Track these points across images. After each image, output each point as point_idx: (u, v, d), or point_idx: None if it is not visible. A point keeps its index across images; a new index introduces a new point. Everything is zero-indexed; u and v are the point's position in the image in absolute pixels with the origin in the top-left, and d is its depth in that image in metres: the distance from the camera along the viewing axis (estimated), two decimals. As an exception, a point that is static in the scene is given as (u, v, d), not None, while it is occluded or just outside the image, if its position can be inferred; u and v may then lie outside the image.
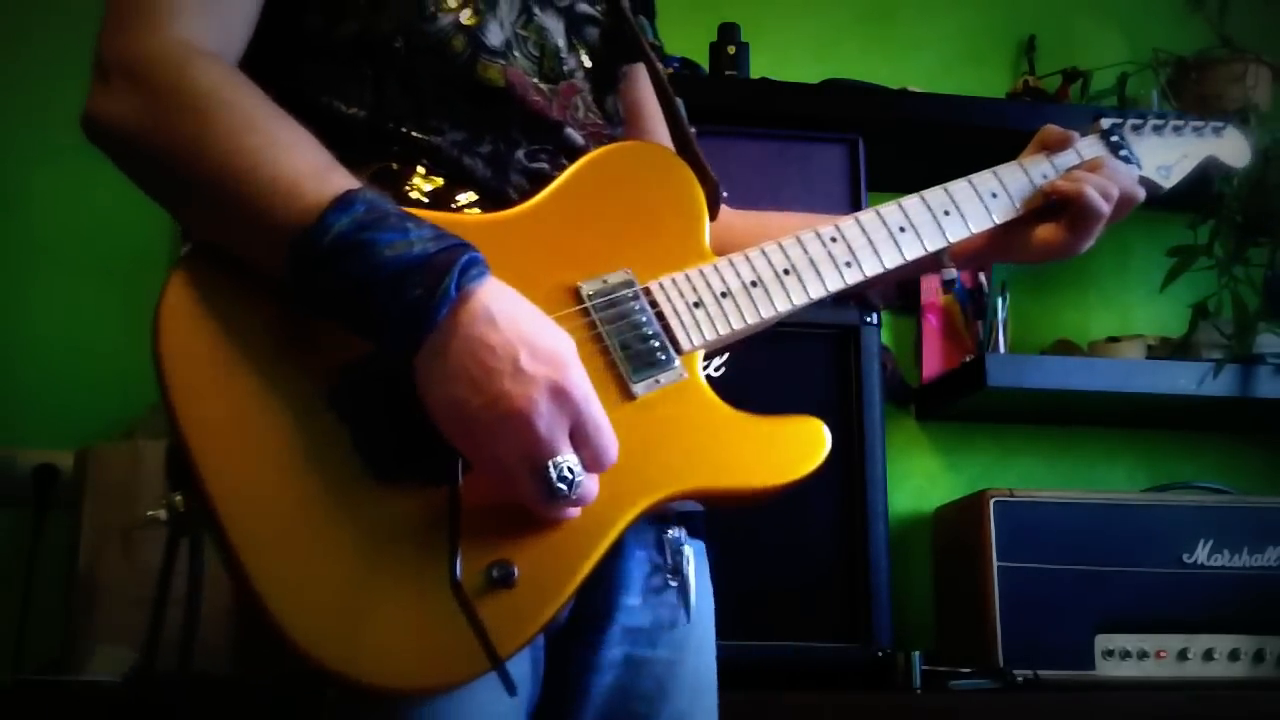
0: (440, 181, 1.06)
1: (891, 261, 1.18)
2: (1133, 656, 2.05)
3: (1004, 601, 2.03)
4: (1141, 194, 1.27)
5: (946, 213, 1.22)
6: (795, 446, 1.07)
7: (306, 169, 0.92)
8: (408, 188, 1.05)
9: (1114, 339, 2.48)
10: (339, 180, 0.92)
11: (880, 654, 1.90)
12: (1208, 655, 2.07)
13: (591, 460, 0.92)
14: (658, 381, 1.04)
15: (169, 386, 0.91)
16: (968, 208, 1.23)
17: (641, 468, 1.00)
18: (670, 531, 1.13)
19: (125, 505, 1.82)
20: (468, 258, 0.90)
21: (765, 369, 1.98)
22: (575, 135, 1.13)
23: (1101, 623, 2.06)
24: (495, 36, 1.10)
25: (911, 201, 1.21)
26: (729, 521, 1.90)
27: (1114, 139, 1.33)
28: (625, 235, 1.09)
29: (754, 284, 1.11)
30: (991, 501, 2.08)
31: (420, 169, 1.06)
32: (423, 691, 0.91)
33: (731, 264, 1.11)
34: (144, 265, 2.29)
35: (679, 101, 1.25)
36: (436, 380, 0.89)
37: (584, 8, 1.20)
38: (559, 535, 0.95)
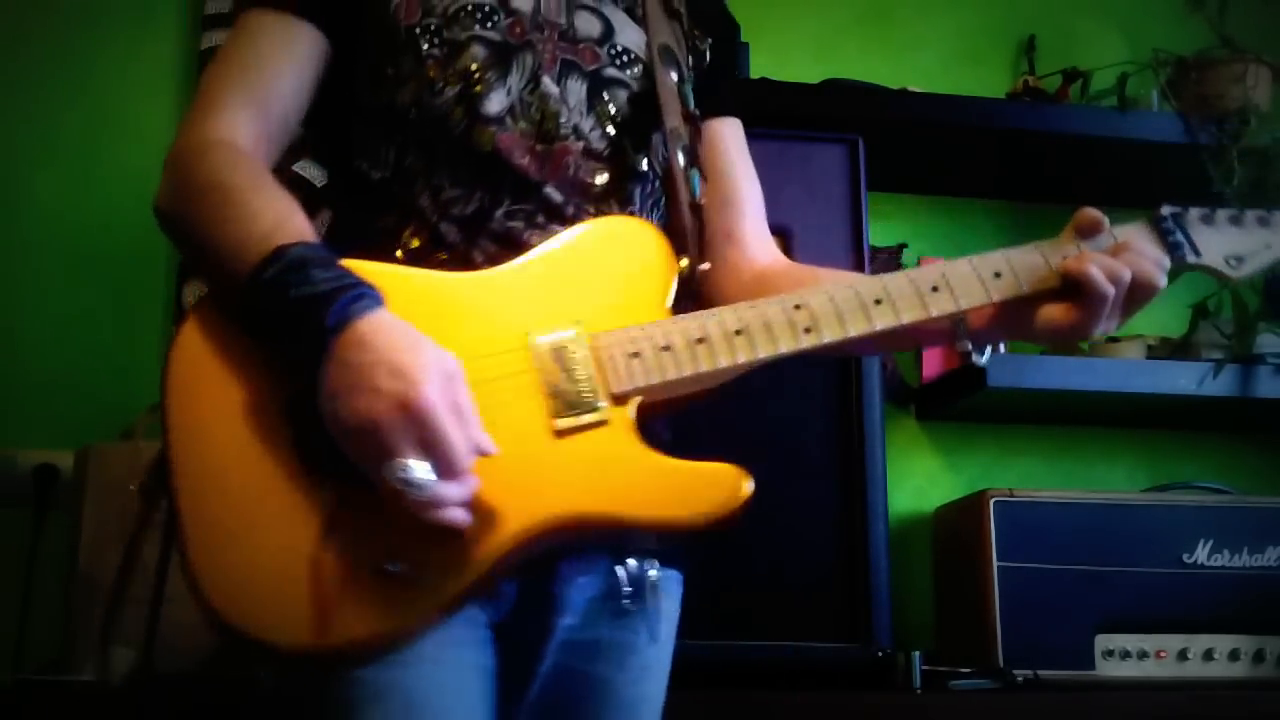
0: (420, 242, 1.23)
1: (856, 330, 1.19)
2: (1133, 656, 2.05)
3: (1004, 601, 2.03)
4: (1162, 282, 1.21)
5: (935, 289, 1.21)
6: (708, 491, 1.16)
7: (258, 232, 1.11)
8: (399, 243, 1.23)
9: (1114, 339, 2.48)
10: (279, 238, 1.10)
11: (880, 654, 1.90)
12: (1208, 655, 2.07)
13: (442, 466, 1.02)
14: (580, 419, 1.13)
15: (168, 403, 1.12)
16: (961, 286, 1.22)
17: (543, 490, 1.11)
18: (630, 562, 1.24)
19: (125, 505, 1.82)
20: (354, 294, 1.06)
21: (765, 369, 1.97)
22: (554, 194, 1.25)
23: (1101, 623, 2.06)
24: (495, 105, 1.25)
25: (895, 277, 1.23)
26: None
27: (1164, 227, 1.29)
28: (585, 296, 1.20)
29: (699, 341, 1.18)
30: (991, 501, 2.09)
31: (409, 229, 1.24)
32: (324, 651, 1.04)
33: (679, 323, 1.19)
34: (144, 265, 2.29)
35: (695, 173, 1.33)
36: (322, 397, 1.05)
37: (613, 72, 1.32)
38: (456, 543, 1.06)
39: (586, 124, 1.29)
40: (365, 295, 1.07)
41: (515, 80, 1.27)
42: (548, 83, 1.28)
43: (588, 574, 1.23)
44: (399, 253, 1.23)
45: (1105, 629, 2.06)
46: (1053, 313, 1.21)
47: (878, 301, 1.20)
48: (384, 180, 1.26)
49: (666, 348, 1.16)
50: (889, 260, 2.56)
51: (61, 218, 2.33)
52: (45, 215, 2.33)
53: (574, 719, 1.23)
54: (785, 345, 1.19)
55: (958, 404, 2.42)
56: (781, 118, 2.23)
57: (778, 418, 1.97)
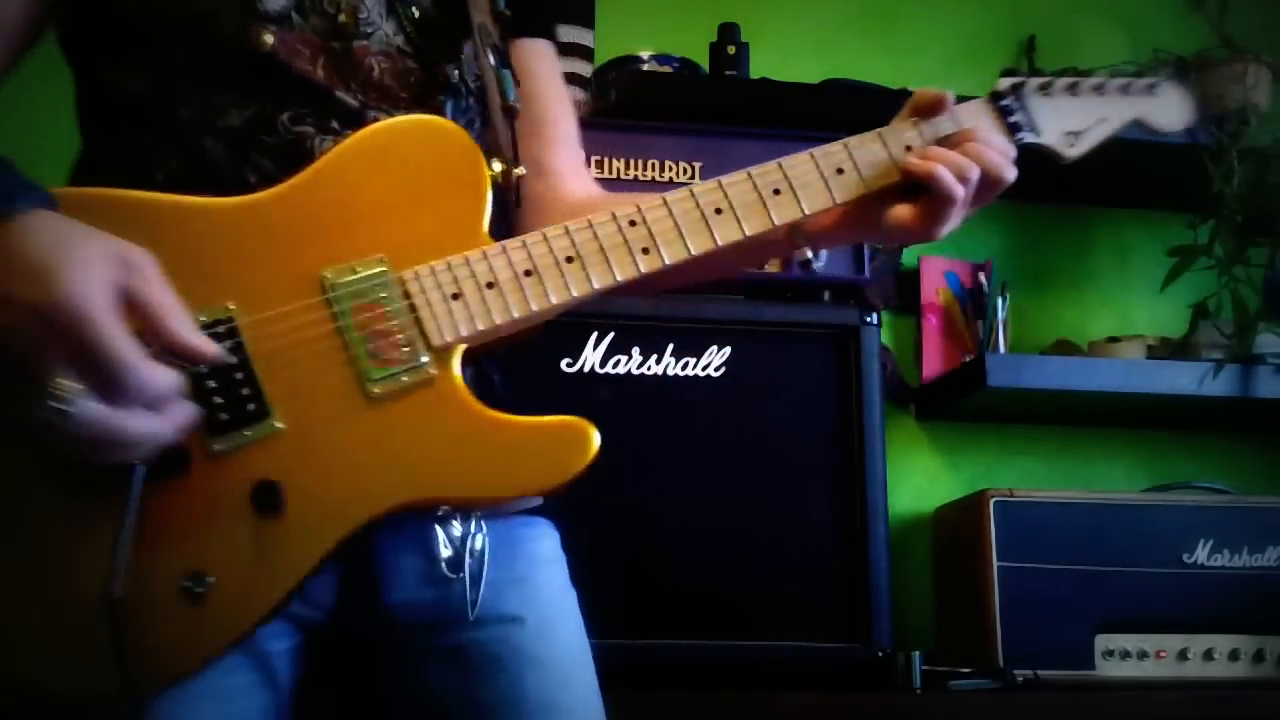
0: (178, 163, 1.03)
1: (700, 247, 1.06)
2: (1133, 656, 2.05)
3: (1004, 601, 2.03)
4: (1012, 174, 1.11)
5: (776, 192, 1.09)
6: (552, 452, 0.99)
7: None
8: (158, 166, 1.03)
9: (1114, 339, 2.48)
10: None
11: (880, 654, 1.90)
12: (1208, 655, 2.07)
13: (103, 386, 0.82)
14: (399, 380, 0.98)
15: None
16: (804, 187, 1.10)
17: (365, 479, 0.95)
18: (453, 525, 1.04)
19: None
20: (9, 189, 0.86)
21: (765, 369, 1.98)
22: (348, 99, 1.08)
23: (1101, 623, 2.06)
24: (275, 2, 1.07)
25: (736, 177, 1.10)
26: (729, 521, 1.91)
27: (1004, 104, 1.16)
28: (387, 219, 1.01)
29: (528, 273, 1.02)
30: (991, 501, 2.08)
31: (168, 148, 1.04)
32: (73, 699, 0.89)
33: (505, 251, 1.02)
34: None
35: (506, 73, 1.16)
36: None
37: None
38: (267, 548, 0.91)
39: (389, 26, 1.12)
40: (17, 195, 0.86)
41: None
42: None
43: (404, 547, 1.04)
44: (160, 176, 1.02)
45: (1105, 629, 2.05)
46: (900, 214, 1.11)
47: (718, 211, 1.07)
48: (138, 92, 1.05)
49: (491, 284, 1.00)
50: (889, 260, 2.56)
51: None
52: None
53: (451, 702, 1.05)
54: (622, 271, 1.03)
55: (958, 404, 2.42)
56: (781, 118, 2.23)
57: (777, 418, 1.97)
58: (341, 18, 1.09)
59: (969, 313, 2.56)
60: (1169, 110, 1.24)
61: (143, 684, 0.87)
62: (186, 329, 0.86)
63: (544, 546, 1.15)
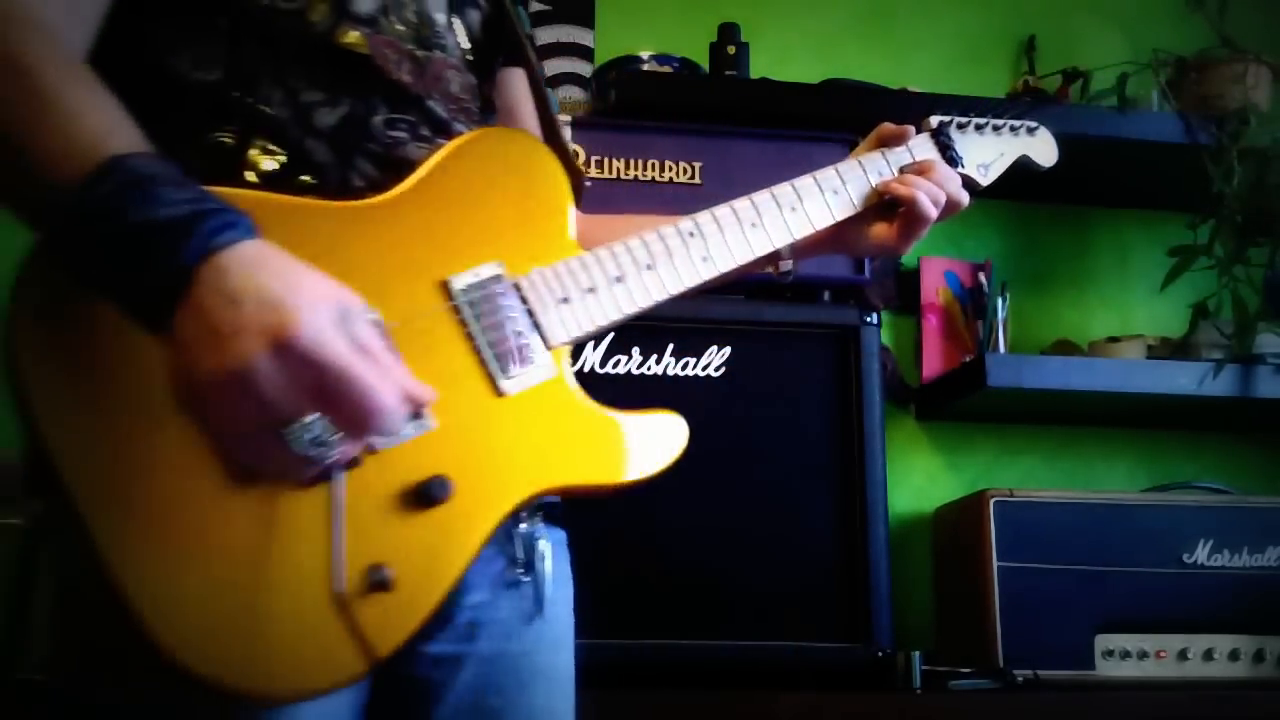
0: (282, 160, 1.02)
1: (743, 257, 1.20)
2: (1133, 656, 2.05)
3: (1004, 601, 2.03)
4: (965, 199, 1.31)
5: (793, 209, 1.24)
6: (656, 443, 1.10)
7: (83, 135, 0.85)
8: (245, 164, 1.01)
9: (1114, 339, 2.48)
10: (112, 144, 0.85)
11: (880, 654, 1.90)
12: (1208, 655, 2.07)
13: (348, 418, 0.82)
14: (528, 379, 1.04)
15: (27, 385, 0.86)
16: (811, 205, 1.26)
17: (510, 465, 1.01)
18: (522, 525, 1.11)
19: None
20: (220, 220, 0.82)
21: (765, 369, 1.98)
22: (438, 109, 1.11)
23: (1101, 623, 2.06)
24: (366, 3, 1.08)
25: (762, 197, 1.23)
26: (729, 522, 1.91)
27: (942, 139, 1.36)
28: (494, 224, 1.07)
29: (618, 279, 1.11)
30: (991, 501, 2.08)
31: (258, 145, 1.01)
32: (299, 696, 0.90)
33: (598, 259, 1.11)
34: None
35: (549, 91, 1.27)
36: (175, 353, 0.80)
37: None
38: (435, 534, 0.96)
39: (450, 40, 1.16)
40: (234, 222, 0.83)
41: None
42: None
43: (490, 543, 1.05)
44: (249, 175, 1.00)
45: (1105, 629, 2.06)
46: (880, 230, 1.30)
47: (753, 225, 1.21)
48: (215, 84, 1.01)
49: (591, 289, 1.09)
50: (889, 260, 2.56)
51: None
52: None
53: (494, 707, 1.09)
54: (689, 278, 1.16)
55: (958, 404, 2.42)
56: (781, 118, 2.23)
57: (778, 418, 1.97)
58: (423, 29, 1.12)
59: (969, 313, 2.56)
60: (1045, 149, 1.47)
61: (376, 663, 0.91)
62: (409, 380, 0.86)
63: (565, 569, 1.20)
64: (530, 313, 1.06)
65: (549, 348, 1.06)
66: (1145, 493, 2.34)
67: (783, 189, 1.25)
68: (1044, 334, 2.62)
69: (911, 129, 1.34)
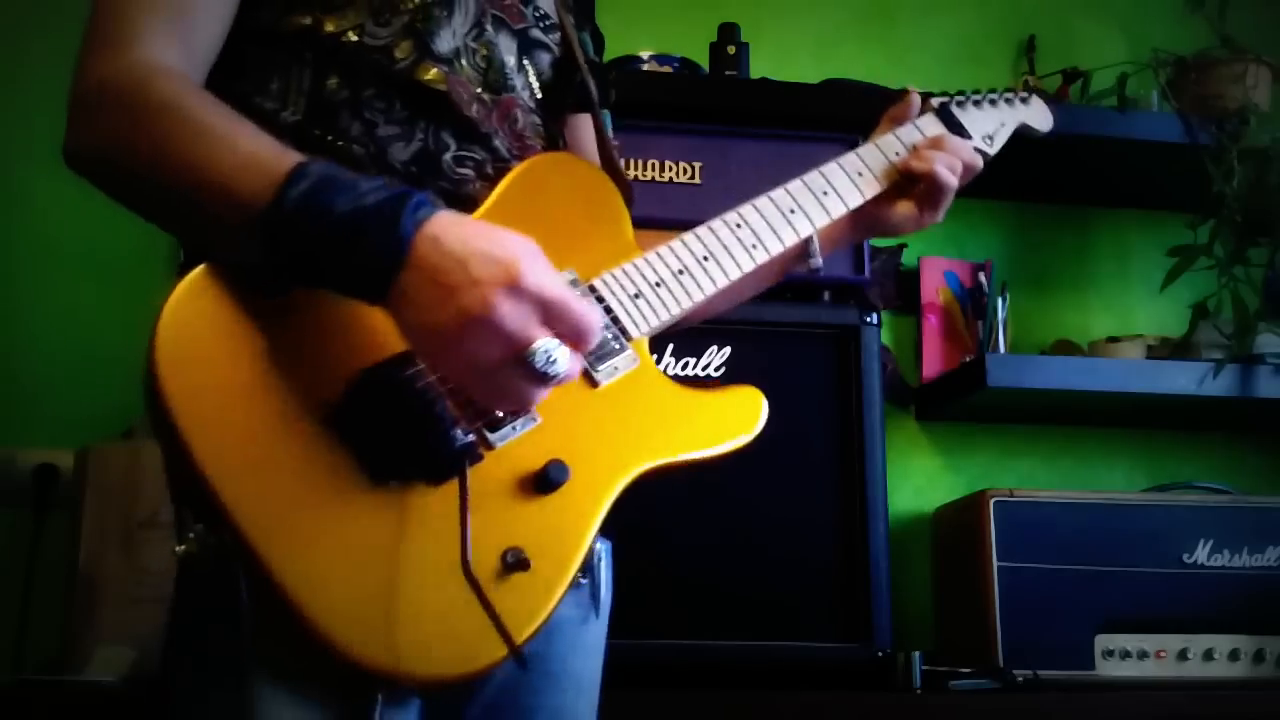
0: None
1: (789, 240, 1.28)
2: (1133, 656, 2.05)
3: (1004, 601, 2.03)
4: (980, 163, 1.39)
5: (825, 193, 1.32)
6: (740, 414, 1.21)
7: (262, 153, 0.97)
8: None
9: (1114, 339, 2.48)
10: (292, 157, 0.96)
11: (880, 654, 1.90)
12: (1208, 655, 2.07)
13: (572, 335, 0.95)
14: (616, 369, 1.13)
15: (176, 416, 0.94)
16: (842, 187, 1.34)
17: (618, 446, 1.10)
18: None
19: (125, 505, 1.83)
20: (417, 199, 0.94)
21: (765, 369, 1.98)
22: (502, 148, 1.19)
23: (1101, 623, 2.06)
24: (445, 44, 1.17)
25: (795, 185, 1.31)
26: (729, 522, 1.91)
27: (947, 116, 1.44)
28: (561, 240, 1.13)
29: (681, 271, 1.19)
30: (991, 501, 2.09)
31: None
32: (461, 679, 0.98)
33: (660, 256, 1.19)
34: (144, 265, 2.29)
35: (606, 114, 1.35)
36: (409, 315, 0.94)
37: (538, 34, 1.27)
38: (558, 515, 1.04)
39: (519, 82, 1.23)
40: (425, 199, 0.96)
41: (459, 22, 1.18)
42: (490, 31, 1.21)
43: None
44: None
45: (1105, 629, 2.06)
46: (904, 208, 1.38)
47: (792, 211, 1.29)
48: (298, 124, 1.11)
49: (659, 283, 1.18)
50: (889, 260, 2.56)
51: (62, 217, 2.33)
52: (46, 214, 2.33)
53: (525, 705, 1.16)
54: (744, 263, 1.24)
55: (958, 404, 2.42)
56: (781, 118, 2.23)
57: (778, 418, 1.96)
58: (491, 73, 1.20)
59: (969, 313, 2.56)
60: (1040, 115, 1.55)
61: (520, 643, 0.98)
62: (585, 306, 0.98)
63: (611, 565, 1.28)
64: (608, 310, 1.14)
65: (629, 340, 1.14)
66: (1145, 493, 2.34)
67: (812, 176, 1.33)
68: (1044, 334, 2.62)
69: (915, 94, 1.43)
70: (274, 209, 0.93)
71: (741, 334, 1.98)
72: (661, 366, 1.94)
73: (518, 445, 1.04)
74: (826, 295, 2.09)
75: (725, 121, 2.17)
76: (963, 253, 2.63)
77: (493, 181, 1.16)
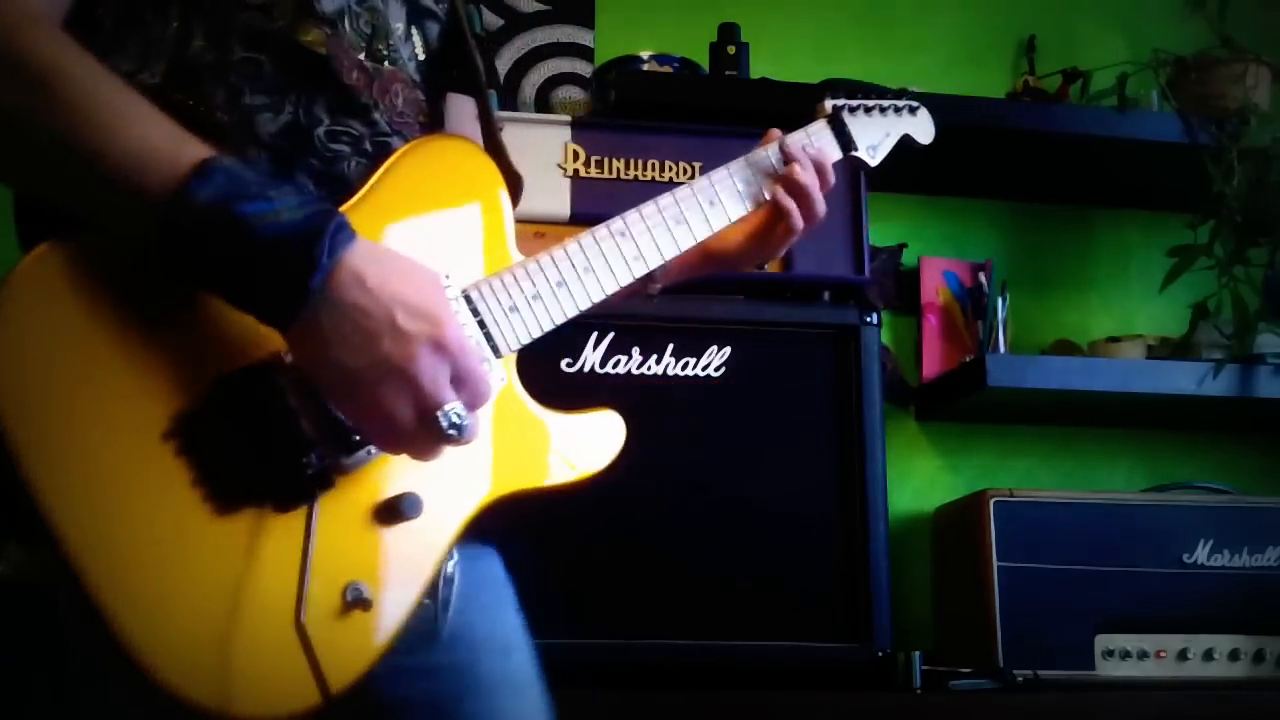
0: None
1: (669, 253, 1.22)
2: (1133, 656, 2.05)
3: (1004, 601, 2.03)
4: (821, 209, 1.32)
5: (711, 204, 1.26)
6: (600, 440, 1.14)
7: (158, 138, 0.90)
8: None
9: (1114, 339, 2.48)
10: (193, 148, 0.90)
11: (880, 654, 1.90)
12: (1208, 655, 2.07)
13: (470, 400, 0.96)
14: None
15: (6, 422, 0.85)
16: (727, 198, 1.28)
17: (473, 473, 1.05)
18: None
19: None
20: (335, 223, 0.90)
21: (765, 369, 1.98)
22: (382, 121, 1.11)
23: (1101, 623, 2.06)
24: (329, 3, 1.08)
25: (683, 192, 1.25)
26: (729, 522, 1.91)
27: (837, 125, 1.41)
28: (439, 237, 1.08)
29: (560, 284, 1.13)
30: (991, 501, 2.08)
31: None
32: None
33: (540, 266, 1.13)
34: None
35: (492, 93, 1.26)
36: (318, 346, 0.91)
37: (428, 2, 1.20)
38: (403, 549, 0.99)
39: (405, 52, 1.16)
40: (344, 223, 0.91)
41: None
42: None
43: None
44: None
45: (1105, 629, 2.06)
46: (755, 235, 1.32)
47: (678, 222, 1.23)
48: (156, 87, 1.00)
49: (536, 296, 1.11)
50: (889, 260, 2.56)
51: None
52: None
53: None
54: (622, 277, 1.19)
55: (958, 404, 2.42)
56: (781, 118, 2.22)
57: (778, 418, 1.97)
58: (376, 39, 1.12)
59: (969, 313, 2.56)
60: (924, 127, 1.51)
61: (335, 691, 0.93)
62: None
63: (498, 573, 1.19)
64: (481, 324, 1.07)
65: (499, 356, 1.08)
66: (1145, 493, 2.34)
67: (701, 184, 1.27)
68: (1044, 334, 2.62)
69: (775, 137, 1.36)
70: (175, 209, 0.87)
71: (741, 334, 1.98)
72: (660, 367, 1.95)
73: (371, 470, 0.99)
74: (826, 295, 2.09)
75: (725, 121, 2.17)
76: (963, 253, 2.63)
77: (370, 159, 1.08)
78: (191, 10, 1.03)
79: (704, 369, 1.97)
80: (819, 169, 1.33)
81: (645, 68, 2.33)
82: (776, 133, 1.35)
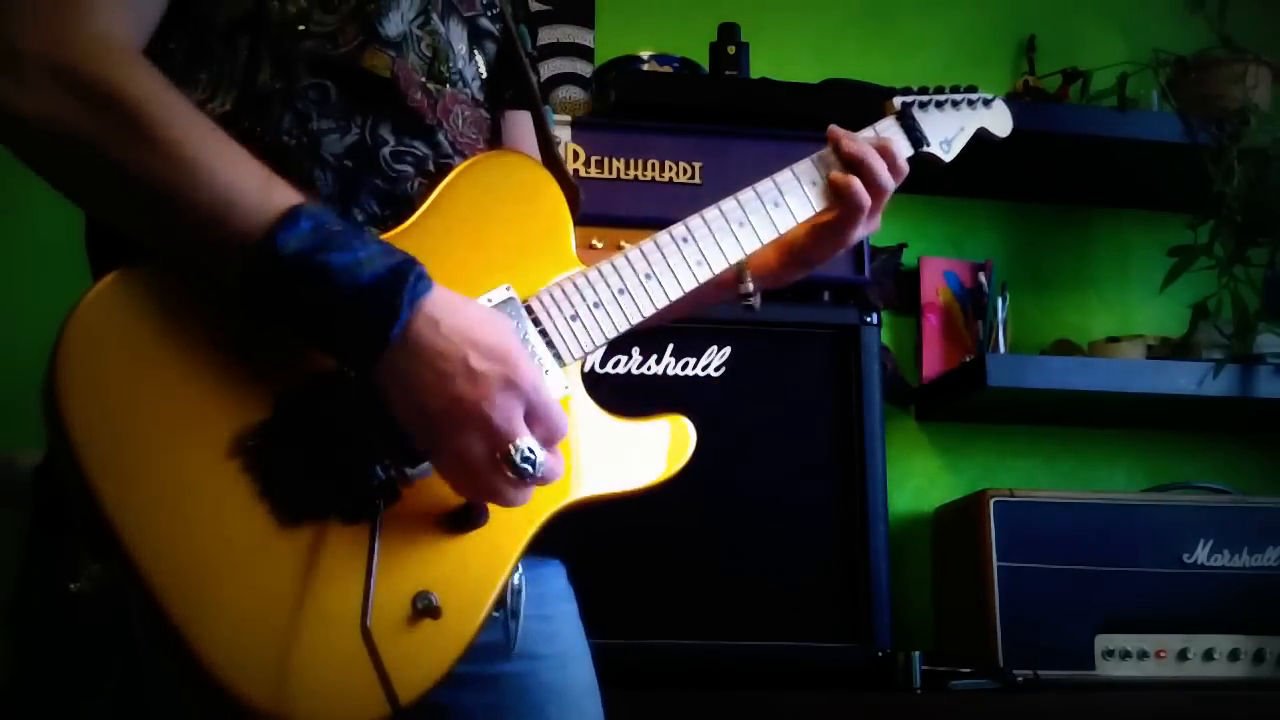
0: None
1: (734, 256, 1.22)
2: (1133, 656, 2.05)
3: (1004, 601, 2.03)
4: (889, 182, 1.31)
5: (776, 205, 1.26)
6: (670, 446, 1.16)
7: (247, 182, 0.93)
8: None
9: (1114, 339, 2.48)
10: (281, 194, 0.93)
11: (880, 654, 1.90)
12: (1208, 655, 2.07)
13: (546, 437, 0.97)
14: None
15: (79, 449, 0.89)
16: (793, 199, 1.27)
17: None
18: None
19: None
20: (415, 273, 0.94)
21: (765, 369, 1.98)
22: (446, 142, 1.13)
23: (1101, 623, 2.06)
24: (393, 28, 1.11)
25: (746, 195, 1.25)
26: (729, 521, 1.91)
27: (907, 120, 1.38)
28: (500, 249, 1.10)
29: (621, 291, 1.15)
30: (991, 501, 2.08)
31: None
32: None
33: (600, 273, 1.14)
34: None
35: (547, 108, 1.30)
36: (399, 390, 0.94)
37: (486, 24, 1.23)
38: (472, 558, 1.00)
39: (469, 73, 1.18)
40: (422, 271, 0.95)
41: (406, 6, 1.12)
42: (436, 20, 1.15)
43: None
44: None
45: (1105, 629, 2.06)
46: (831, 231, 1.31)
47: (741, 224, 1.23)
48: (227, 115, 1.03)
49: (597, 304, 1.13)
50: (889, 260, 2.56)
51: (61, 216, 2.32)
52: (45, 213, 2.33)
53: None
54: (686, 282, 1.19)
55: (958, 404, 2.42)
56: (781, 118, 2.23)
57: (778, 418, 1.97)
58: (437, 63, 1.14)
59: (969, 313, 2.56)
60: (1000, 120, 1.49)
61: (404, 702, 0.93)
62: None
63: (561, 586, 1.23)
64: (544, 332, 1.09)
65: (563, 365, 1.10)
66: (1145, 493, 2.34)
67: (765, 185, 1.26)
68: (1044, 334, 2.62)
69: (891, 101, 1.38)
70: (260, 257, 0.90)
71: (741, 334, 1.98)
72: (660, 367, 1.95)
73: (436, 480, 0.99)
74: (826, 295, 2.09)
75: (725, 121, 2.17)
76: (963, 253, 2.63)
77: (433, 179, 1.10)
78: (259, 40, 1.06)
79: (704, 369, 1.97)
80: (881, 149, 1.30)
81: (645, 68, 2.33)
82: (835, 128, 1.33)
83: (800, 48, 2.63)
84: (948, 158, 1.42)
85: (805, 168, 1.29)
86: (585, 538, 1.83)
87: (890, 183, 1.30)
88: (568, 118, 2.13)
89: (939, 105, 1.42)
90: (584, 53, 2.57)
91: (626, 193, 2.05)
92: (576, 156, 2.05)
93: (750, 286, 1.31)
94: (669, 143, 2.09)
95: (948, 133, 1.42)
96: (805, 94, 2.35)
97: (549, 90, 2.54)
